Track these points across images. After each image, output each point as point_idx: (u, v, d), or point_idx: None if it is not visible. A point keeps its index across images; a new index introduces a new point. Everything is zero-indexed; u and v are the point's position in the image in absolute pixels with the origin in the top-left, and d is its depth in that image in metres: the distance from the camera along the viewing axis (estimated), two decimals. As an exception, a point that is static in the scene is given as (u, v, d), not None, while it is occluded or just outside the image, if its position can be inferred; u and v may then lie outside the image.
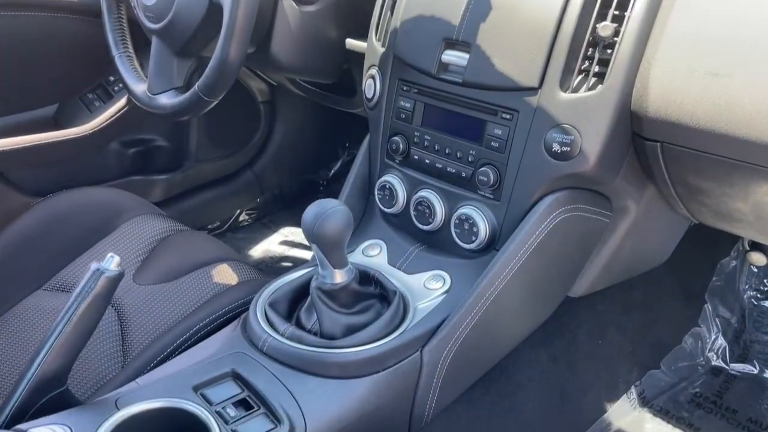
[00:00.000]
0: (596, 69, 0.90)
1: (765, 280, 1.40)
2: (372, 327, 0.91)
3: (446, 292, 0.99)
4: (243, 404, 0.81)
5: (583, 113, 0.90)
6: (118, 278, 0.78)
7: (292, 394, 0.83)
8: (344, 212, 0.87)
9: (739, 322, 1.43)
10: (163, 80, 1.19)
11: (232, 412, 0.79)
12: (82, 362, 1.03)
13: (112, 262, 0.79)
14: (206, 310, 1.06)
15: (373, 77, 1.13)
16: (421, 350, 0.92)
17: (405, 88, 1.08)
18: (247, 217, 2.02)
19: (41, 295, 1.19)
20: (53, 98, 1.56)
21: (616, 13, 0.89)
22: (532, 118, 0.93)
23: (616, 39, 0.88)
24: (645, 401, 1.32)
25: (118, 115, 1.58)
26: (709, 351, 1.41)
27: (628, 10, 0.87)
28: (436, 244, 1.07)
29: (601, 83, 0.89)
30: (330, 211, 0.86)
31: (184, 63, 1.19)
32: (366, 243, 1.12)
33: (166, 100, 1.17)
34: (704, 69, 0.81)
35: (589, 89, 0.90)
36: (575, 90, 0.91)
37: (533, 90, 0.93)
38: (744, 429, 1.27)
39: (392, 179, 1.10)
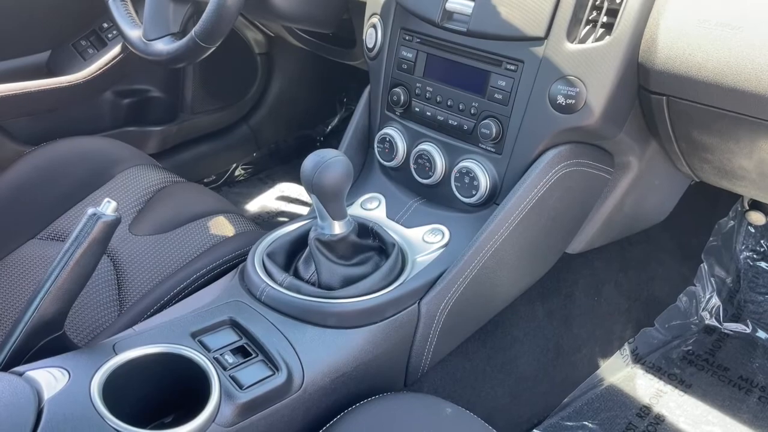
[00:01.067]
0: (604, 19, 0.88)
1: (762, 241, 1.41)
2: (370, 278, 0.90)
3: (445, 245, 0.99)
4: (241, 351, 0.81)
5: (590, 65, 0.88)
6: (115, 223, 0.77)
7: (290, 343, 0.83)
8: (344, 162, 0.86)
9: (734, 282, 1.43)
10: (159, 26, 1.16)
11: (230, 358, 0.79)
12: (78, 310, 1.02)
13: (108, 207, 0.78)
14: (203, 260, 1.05)
15: (374, 26, 1.11)
16: (418, 302, 0.92)
17: (407, 38, 1.06)
18: (243, 172, 2.00)
19: (36, 244, 1.18)
20: (45, 45, 1.53)
21: (627, -40, 0.86)
22: (537, 69, 0.92)
23: (629, -14, 0.86)
24: (638, 358, 1.34)
25: (112, 63, 1.54)
26: (703, 310, 1.43)
27: (641, -42, 0.85)
28: (436, 198, 1.06)
29: (609, 34, 0.87)
30: (330, 161, 0.85)
31: (181, 7, 1.16)
32: (365, 196, 1.11)
33: (162, 46, 1.15)
34: (715, 20, 0.79)
35: (597, 40, 0.88)
36: (582, 41, 0.89)
37: (539, 40, 0.91)
38: (735, 386, 1.29)
39: (392, 132, 1.09)
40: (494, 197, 0.99)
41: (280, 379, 0.78)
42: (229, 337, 0.82)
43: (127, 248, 1.13)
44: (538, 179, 0.94)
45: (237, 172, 1.98)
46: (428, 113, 1.05)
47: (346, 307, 0.87)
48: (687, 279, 1.42)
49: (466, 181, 1.00)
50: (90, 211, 0.78)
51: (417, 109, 1.06)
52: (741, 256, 1.42)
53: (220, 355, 0.79)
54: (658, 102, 0.90)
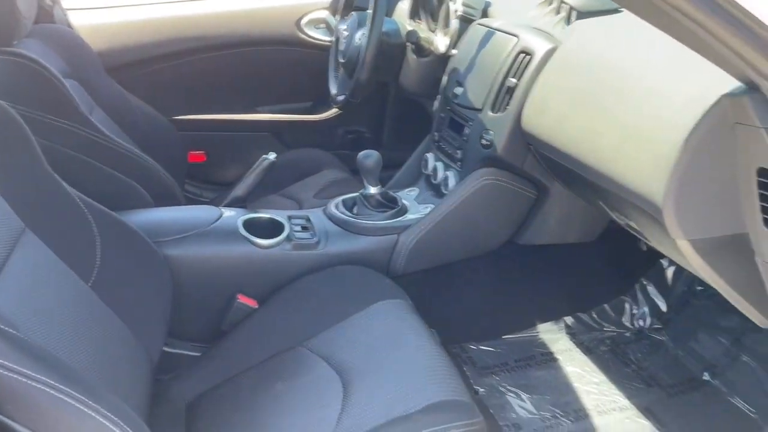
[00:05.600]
0: (506, 102, 1.68)
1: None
2: (381, 215, 1.82)
3: (427, 213, 1.85)
4: (304, 228, 1.79)
5: (498, 124, 1.69)
6: (271, 163, 1.85)
7: (327, 231, 1.78)
8: (376, 156, 1.81)
9: (667, 304, 1.88)
10: (341, 90, 2.27)
11: (297, 227, 1.78)
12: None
13: (271, 155, 1.86)
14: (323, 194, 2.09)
15: (437, 98, 2.04)
16: (398, 234, 1.79)
17: (439, 105, 1.97)
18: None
19: (275, 198, 2.35)
20: (309, 98, 2.78)
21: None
22: (478, 125, 1.75)
23: (517, 85, 1.65)
24: (572, 334, 1.91)
25: (337, 111, 2.71)
26: (633, 318, 1.91)
27: (524, 73, 1.64)
28: (437, 191, 1.92)
29: (507, 108, 1.67)
30: (368, 154, 1.81)
31: (349, 82, 2.24)
32: (411, 188, 2.02)
33: (340, 99, 2.25)
34: (538, 108, 1.55)
35: (502, 111, 1.68)
36: (496, 111, 1.70)
37: (480, 110, 1.75)
38: (643, 381, 1.76)
39: (429, 155, 1.99)
40: (457, 192, 1.83)
41: (312, 240, 1.73)
42: (303, 221, 1.82)
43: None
44: (470, 183, 1.75)
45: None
46: (442, 145, 1.93)
47: (358, 223, 1.79)
48: (621, 291, 1.94)
49: (447, 183, 1.85)
50: (263, 156, 1.87)
51: (440, 143, 1.95)
52: (678, 281, 1.89)
53: (294, 224, 1.78)
54: (531, 148, 1.65)
